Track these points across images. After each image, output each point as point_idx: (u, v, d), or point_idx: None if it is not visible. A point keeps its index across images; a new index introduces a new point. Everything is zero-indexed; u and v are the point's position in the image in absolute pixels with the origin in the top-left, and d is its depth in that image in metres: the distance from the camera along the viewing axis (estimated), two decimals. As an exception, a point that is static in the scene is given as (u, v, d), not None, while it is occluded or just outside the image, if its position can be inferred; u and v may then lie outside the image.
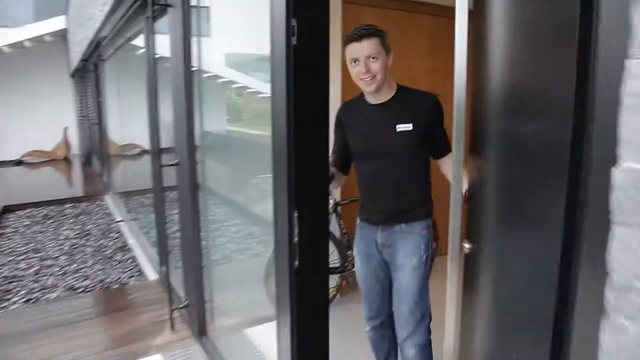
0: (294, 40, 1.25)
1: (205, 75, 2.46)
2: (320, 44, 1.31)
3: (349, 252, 3.09)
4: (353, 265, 3.26)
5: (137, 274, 3.92)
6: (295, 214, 1.36)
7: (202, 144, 2.60)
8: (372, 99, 1.86)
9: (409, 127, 1.80)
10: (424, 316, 1.89)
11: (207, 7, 3.04)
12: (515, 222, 1.00)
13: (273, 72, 1.34)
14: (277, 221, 1.45)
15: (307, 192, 1.37)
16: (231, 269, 3.61)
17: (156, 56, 2.81)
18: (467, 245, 1.11)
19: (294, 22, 1.25)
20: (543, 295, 0.89)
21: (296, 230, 1.37)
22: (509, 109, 0.97)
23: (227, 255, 3.85)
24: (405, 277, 1.88)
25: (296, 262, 1.38)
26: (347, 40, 1.76)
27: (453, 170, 1.16)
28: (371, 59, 1.73)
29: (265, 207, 3.90)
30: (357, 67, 1.76)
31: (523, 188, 0.96)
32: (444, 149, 1.87)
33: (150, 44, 2.80)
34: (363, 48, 1.72)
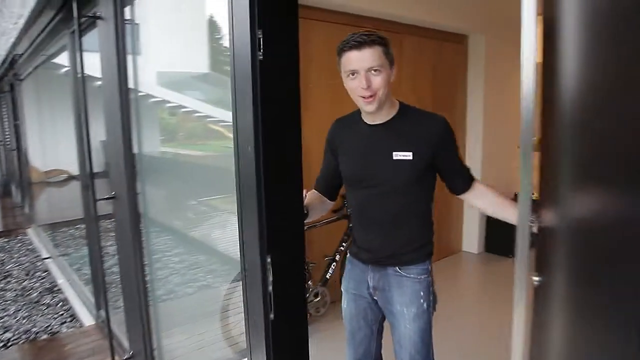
0: (260, 55, 1.06)
1: (137, 94, 2.28)
2: (291, 59, 1.12)
3: (308, 283, 2.91)
4: (314, 297, 3.11)
5: (70, 319, 3.47)
6: (269, 259, 1.16)
7: (139, 169, 2.35)
8: (369, 118, 1.60)
9: (407, 155, 1.53)
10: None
11: (137, 24, 2.84)
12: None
13: (236, 92, 1.14)
14: (246, 267, 1.23)
15: (282, 232, 1.17)
16: (181, 305, 3.30)
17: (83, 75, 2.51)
18: (536, 278, 1.00)
19: (259, 34, 1.05)
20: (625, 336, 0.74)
21: (270, 278, 1.17)
22: (592, 120, 0.80)
23: (174, 289, 3.53)
24: (405, 328, 1.66)
25: (271, 315, 1.18)
26: (344, 47, 1.50)
27: (521, 195, 1.00)
28: (373, 71, 1.47)
29: (210, 232, 3.62)
30: (356, 81, 1.49)
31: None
32: (464, 181, 1.64)
33: (76, 61, 2.49)
34: (364, 58, 1.46)
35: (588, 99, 0.77)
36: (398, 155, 1.54)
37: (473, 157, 4.53)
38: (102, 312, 2.69)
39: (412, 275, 1.64)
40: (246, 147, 1.12)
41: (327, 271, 3.10)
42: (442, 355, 2.81)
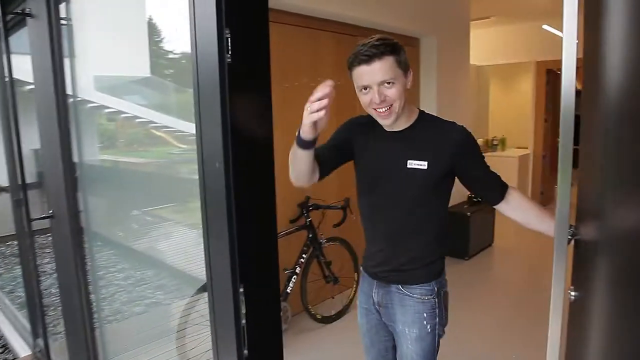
0: (228, 58, 0.92)
1: (72, 100, 2.08)
2: (263, 62, 0.99)
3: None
4: None
5: (2, 350, 3.13)
6: (242, 289, 1.02)
7: (79, 178, 2.13)
8: (387, 126, 1.53)
9: (422, 165, 1.45)
10: None
11: (72, 24, 2.61)
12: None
13: (200, 101, 0.99)
14: (214, 297, 1.09)
15: (256, 258, 1.04)
16: (131, 326, 3.06)
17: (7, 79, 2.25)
18: (572, 293, 0.95)
19: (227, 33, 0.91)
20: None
21: (243, 310, 1.03)
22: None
23: (122, 309, 3.28)
24: (407, 348, 1.58)
25: (245, 351, 1.04)
26: (353, 62, 1.42)
27: (558, 204, 0.90)
28: (386, 84, 1.39)
29: (157, 244, 3.39)
30: (369, 95, 1.42)
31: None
32: (494, 191, 1.53)
33: (4, 63, 2.23)
34: (375, 72, 1.38)
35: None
36: (412, 164, 1.47)
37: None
38: (40, 340, 2.42)
39: (415, 295, 1.55)
40: (213, 164, 0.98)
41: (287, 285, 2.97)
42: None
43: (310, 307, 3.16)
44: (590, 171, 0.86)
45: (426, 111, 1.59)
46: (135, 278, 3.71)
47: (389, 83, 1.40)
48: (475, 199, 4.69)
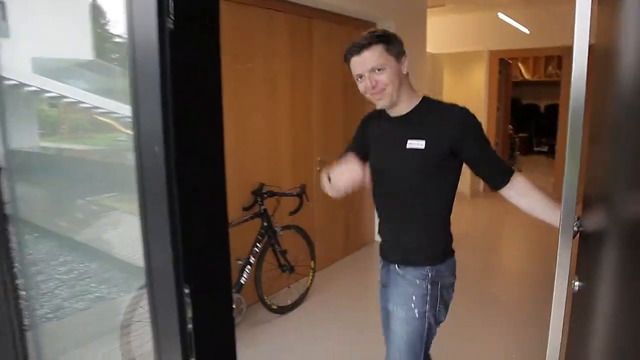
0: (170, 22, 0.78)
1: (7, 83, 1.87)
2: (212, 29, 0.86)
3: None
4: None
5: None
6: (187, 290, 0.89)
7: (8, 166, 1.92)
8: (391, 111, 1.60)
9: (420, 144, 1.49)
10: None
11: (2, 2, 2.36)
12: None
13: (136, 75, 0.85)
14: (155, 300, 0.95)
15: (203, 254, 0.91)
16: (72, 324, 2.85)
17: None
18: (576, 283, 0.95)
19: (168, -6, 0.77)
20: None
21: (189, 314, 0.91)
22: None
23: (62, 305, 3.05)
24: (395, 326, 1.62)
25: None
26: (347, 55, 1.53)
27: (565, 194, 0.85)
28: (376, 71, 1.49)
29: (103, 235, 3.19)
30: (363, 83, 1.52)
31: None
32: (498, 175, 1.52)
33: None
34: (365, 61, 1.49)
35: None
36: (412, 144, 1.51)
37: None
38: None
39: (408, 277, 1.60)
40: (152, 148, 0.84)
41: (241, 276, 2.85)
42: (365, 347, 2.72)
43: (265, 298, 3.05)
44: (598, 160, 0.82)
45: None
46: (78, 271, 3.48)
47: (379, 69, 1.48)
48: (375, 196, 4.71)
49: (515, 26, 5.87)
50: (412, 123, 1.55)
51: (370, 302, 3.65)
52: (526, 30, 6.11)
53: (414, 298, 1.58)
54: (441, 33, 6.47)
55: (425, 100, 1.59)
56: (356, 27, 4.12)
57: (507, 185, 1.51)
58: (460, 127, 1.50)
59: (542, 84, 9.01)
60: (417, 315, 1.57)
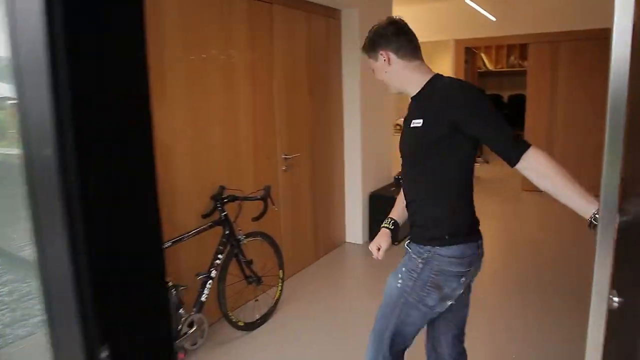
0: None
1: None
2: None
3: (180, 311, 2.33)
4: (189, 327, 2.53)
5: None
6: (104, 354, 0.62)
7: None
8: (408, 94, 1.70)
9: (418, 122, 1.55)
10: (378, 336, 1.66)
11: None
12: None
13: (16, 42, 0.57)
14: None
15: (128, 300, 0.64)
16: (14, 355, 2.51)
17: None
18: (615, 299, 0.86)
19: None
20: None
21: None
22: None
23: (3, 333, 2.70)
24: (384, 291, 1.70)
25: None
26: None
27: (603, 193, 0.77)
28: (372, 71, 1.73)
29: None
30: None
31: None
32: (510, 150, 1.43)
33: None
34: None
35: None
36: (414, 123, 1.57)
37: (351, 138, 4.33)
38: None
39: (409, 252, 1.64)
40: (40, 151, 0.57)
41: (201, 292, 2.56)
42: (331, 347, 2.50)
43: (230, 314, 2.77)
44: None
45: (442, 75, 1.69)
46: (20, 292, 3.12)
47: (373, 71, 1.72)
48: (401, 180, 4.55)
49: (482, 12, 5.77)
50: (417, 103, 1.61)
51: (344, 303, 3.44)
52: (492, 18, 6.03)
53: (403, 269, 1.63)
54: (407, 22, 6.33)
55: (433, 79, 1.62)
56: (320, 14, 3.88)
57: (522, 161, 1.42)
58: (459, 104, 1.50)
59: (504, 74, 9.02)
60: (398, 285, 1.63)
